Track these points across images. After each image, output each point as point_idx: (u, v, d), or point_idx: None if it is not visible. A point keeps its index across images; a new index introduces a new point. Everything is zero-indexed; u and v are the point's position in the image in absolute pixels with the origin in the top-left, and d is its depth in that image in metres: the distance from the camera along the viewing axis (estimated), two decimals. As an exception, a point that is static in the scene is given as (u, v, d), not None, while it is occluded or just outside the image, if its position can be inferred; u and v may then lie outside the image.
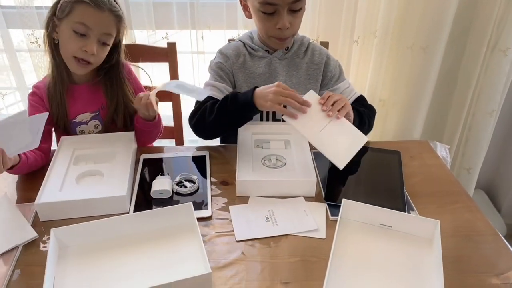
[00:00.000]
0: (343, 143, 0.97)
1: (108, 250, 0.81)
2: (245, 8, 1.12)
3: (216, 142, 1.23)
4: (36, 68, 1.51)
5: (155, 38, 1.50)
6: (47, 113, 0.88)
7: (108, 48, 1.07)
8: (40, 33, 1.48)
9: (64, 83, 1.08)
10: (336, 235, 0.80)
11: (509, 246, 0.86)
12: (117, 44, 1.11)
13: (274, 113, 1.18)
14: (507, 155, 1.76)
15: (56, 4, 1.02)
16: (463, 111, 1.47)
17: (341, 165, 0.94)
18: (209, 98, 1.10)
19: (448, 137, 1.52)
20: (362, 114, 1.11)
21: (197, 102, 1.13)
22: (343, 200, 0.87)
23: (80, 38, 1.02)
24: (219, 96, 1.11)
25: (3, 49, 1.53)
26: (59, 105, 1.09)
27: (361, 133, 0.99)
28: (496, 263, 0.81)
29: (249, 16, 1.13)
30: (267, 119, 1.18)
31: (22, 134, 0.83)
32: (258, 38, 1.16)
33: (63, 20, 1.01)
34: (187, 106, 1.59)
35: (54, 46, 1.05)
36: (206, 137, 1.13)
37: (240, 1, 1.13)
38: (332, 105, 0.97)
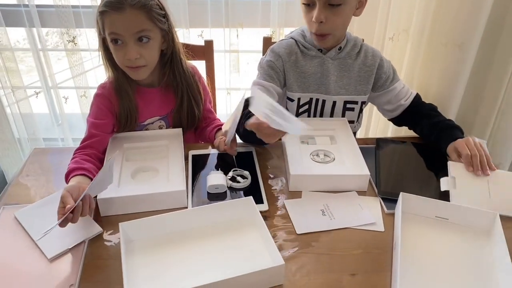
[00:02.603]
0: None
1: (174, 244, 0.82)
2: None
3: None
4: (72, 66, 1.52)
5: (189, 37, 1.51)
6: (117, 152, 0.88)
7: (152, 43, 1.01)
8: (75, 32, 1.50)
9: (128, 94, 1.07)
10: (401, 227, 0.81)
11: None
12: (165, 33, 1.04)
13: (322, 111, 1.20)
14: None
15: (97, 24, 1.01)
16: (494, 107, 1.48)
17: None
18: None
19: (478, 133, 1.54)
20: (451, 123, 1.13)
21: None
22: (401, 193, 0.89)
23: (120, 47, 0.99)
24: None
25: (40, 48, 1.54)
26: (129, 112, 1.08)
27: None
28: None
29: None
30: (314, 115, 1.20)
31: (101, 178, 0.83)
32: (311, 36, 1.15)
33: (105, 33, 1.00)
34: (221, 99, 1.61)
35: (111, 60, 1.04)
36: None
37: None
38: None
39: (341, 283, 0.75)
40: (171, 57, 1.09)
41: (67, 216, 0.79)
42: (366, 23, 1.43)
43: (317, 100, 1.18)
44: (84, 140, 1.03)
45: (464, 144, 1.00)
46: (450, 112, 1.49)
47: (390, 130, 1.59)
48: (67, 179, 0.93)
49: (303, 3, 1.06)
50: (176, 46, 1.08)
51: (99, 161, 1.02)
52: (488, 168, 0.97)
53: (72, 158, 0.99)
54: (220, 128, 1.15)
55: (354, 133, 1.29)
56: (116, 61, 1.03)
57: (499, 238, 0.79)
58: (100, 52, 1.05)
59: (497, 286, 0.74)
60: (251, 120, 0.86)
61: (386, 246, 0.83)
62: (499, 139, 1.55)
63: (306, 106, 1.19)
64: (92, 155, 1.01)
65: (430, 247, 0.83)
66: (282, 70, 1.15)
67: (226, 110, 1.68)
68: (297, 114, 1.20)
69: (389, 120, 1.27)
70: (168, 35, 1.06)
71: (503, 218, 0.86)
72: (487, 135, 1.55)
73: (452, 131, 1.09)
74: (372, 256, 0.82)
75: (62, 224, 0.79)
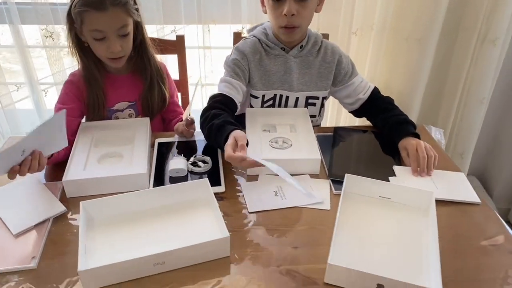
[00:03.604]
0: (454, 185, 1.00)
1: (131, 222, 0.88)
2: (262, 3, 1.17)
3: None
4: (50, 62, 1.58)
5: (163, 32, 1.57)
6: (65, 111, 0.89)
7: (131, 34, 1.12)
8: (53, 28, 1.56)
9: (97, 81, 1.15)
10: (340, 205, 0.87)
11: (497, 214, 0.94)
12: (138, 24, 1.15)
13: (286, 102, 1.25)
14: (498, 143, 1.85)
15: (69, 15, 1.08)
16: (455, 99, 1.55)
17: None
18: (221, 96, 1.14)
19: (442, 124, 1.61)
20: (404, 118, 1.16)
21: (210, 99, 1.15)
22: (346, 174, 0.95)
23: (102, 42, 1.08)
24: (233, 93, 1.14)
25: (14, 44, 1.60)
26: (97, 97, 1.16)
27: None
28: (485, 229, 0.90)
29: (266, 12, 1.17)
30: (279, 106, 1.26)
31: (51, 136, 0.89)
32: (273, 34, 1.19)
33: (82, 27, 1.07)
34: (196, 95, 1.67)
35: (82, 50, 1.13)
36: None
37: None
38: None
39: (282, 254, 0.82)
40: (140, 43, 1.18)
41: (13, 168, 0.86)
42: (330, 19, 1.50)
43: (280, 96, 1.24)
44: None
45: (414, 147, 1.05)
46: (414, 104, 1.57)
47: (358, 120, 1.64)
48: None
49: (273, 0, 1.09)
50: (145, 34, 1.18)
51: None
52: (432, 168, 1.03)
53: None
54: None
55: (318, 125, 1.36)
56: (96, 53, 1.12)
57: (432, 214, 0.86)
58: (69, 44, 1.13)
59: (423, 257, 0.80)
60: (229, 151, 0.91)
61: (330, 223, 0.88)
62: (462, 130, 1.62)
63: (271, 102, 1.25)
64: None
65: (372, 223, 0.89)
66: (247, 68, 1.19)
67: (201, 105, 1.74)
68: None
69: (349, 112, 1.32)
70: (139, 25, 1.15)
71: (450, 202, 0.95)
72: (450, 126, 1.62)
73: (405, 126, 1.13)
74: (316, 231, 0.88)
75: (10, 175, 0.86)
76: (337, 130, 1.22)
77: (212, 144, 1.08)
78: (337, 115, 1.71)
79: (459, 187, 1.01)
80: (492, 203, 1.90)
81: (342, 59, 1.23)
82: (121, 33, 1.09)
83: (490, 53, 1.44)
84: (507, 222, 1.93)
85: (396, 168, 1.06)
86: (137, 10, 1.13)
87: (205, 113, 1.10)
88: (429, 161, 1.03)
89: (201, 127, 1.11)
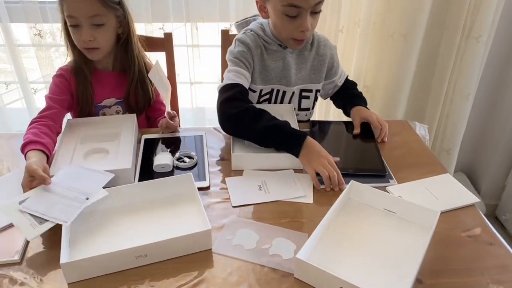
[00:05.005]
0: (450, 190, 1.00)
1: (116, 216, 0.89)
2: (262, 9, 1.15)
3: (211, 124, 1.31)
4: (39, 60, 1.58)
5: (152, 30, 1.58)
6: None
7: (106, 27, 1.11)
8: (42, 27, 1.56)
9: (85, 75, 1.17)
10: (336, 208, 0.87)
11: (477, 208, 0.96)
12: (121, 19, 1.15)
13: (281, 101, 1.27)
14: (484, 139, 1.87)
15: (59, 3, 1.10)
16: (441, 95, 1.57)
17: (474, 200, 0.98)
18: (240, 86, 1.11)
19: (429, 120, 1.63)
20: (359, 93, 1.30)
21: (229, 88, 1.11)
22: (352, 181, 0.93)
23: (76, 29, 1.09)
24: (243, 82, 1.12)
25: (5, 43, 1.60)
26: (84, 91, 1.17)
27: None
28: (465, 222, 0.91)
29: (265, 17, 1.16)
30: (276, 100, 1.27)
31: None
32: (270, 31, 1.18)
33: (64, 15, 1.09)
34: (183, 91, 1.68)
35: (72, 41, 1.14)
36: (227, 131, 1.12)
37: (257, 2, 1.15)
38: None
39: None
40: (126, 41, 1.19)
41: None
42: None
43: (278, 90, 1.24)
44: (42, 111, 1.10)
45: (375, 118, 1.18)
46: (401, 100, 1.58)
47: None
48: (24, 149, 0.98)
49: (287, 15, 1.07)
50: (131, 31, 1.18)
51: (57, 134, 1.09)
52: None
53: (30, 128, 1.04)
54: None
55: (308, 120, 1.37)
56: (74, 42, 1.13)
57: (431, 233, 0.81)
58: (62, 34, 1.15)
59: (402, 273, 0.76)
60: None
61: (313, 216, 0.90)
62: (448, 126, 1.64)
63: (267, 96, 1.25)
64: (51, 126, 1.07)
65: (368, 232, 0.86)
66: (251, 61, 1.18)
67: (191, 104, 1.75)
68: (258, 103, 1.25)
69: (324, 99, 1.39)
70: (124, 21, 1.16)
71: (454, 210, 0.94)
72: (436, 122, 1.64)
73: (358, 99, 1.26)
74: (298, 224, 0.89)
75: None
76: (313, 123, 1.25)
77: (268, 140, 1.05)
78: (325, 110, 1.73)
79: (455, 191, 0.99)
80: (480, 199, 1.92)
81: (333, 51, 1.26)
82: (94, 23, 1.09)
83: (474, 50, 1.46)
84: (495, 218, 1.96)
85: (390, 190, 1.00)
86: (118, 4, 1.13)
87: (231, 100, 1.07)
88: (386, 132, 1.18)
89: (231, 120, 1.07)
